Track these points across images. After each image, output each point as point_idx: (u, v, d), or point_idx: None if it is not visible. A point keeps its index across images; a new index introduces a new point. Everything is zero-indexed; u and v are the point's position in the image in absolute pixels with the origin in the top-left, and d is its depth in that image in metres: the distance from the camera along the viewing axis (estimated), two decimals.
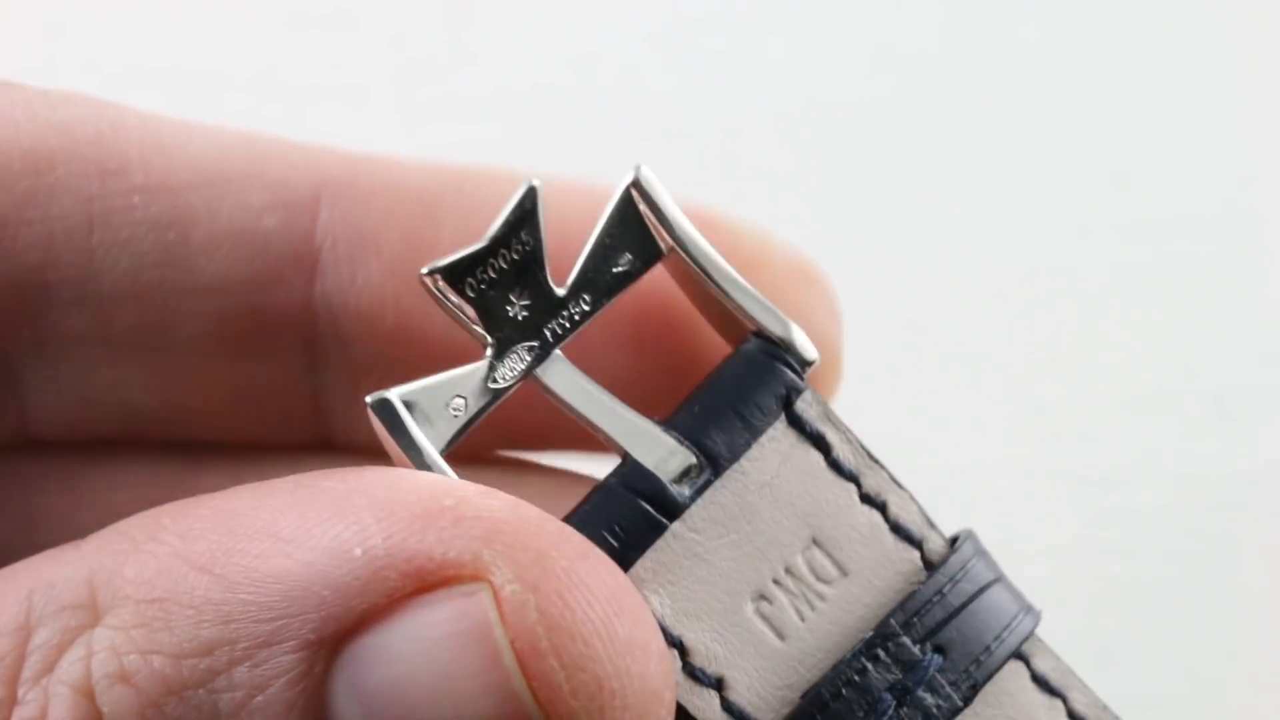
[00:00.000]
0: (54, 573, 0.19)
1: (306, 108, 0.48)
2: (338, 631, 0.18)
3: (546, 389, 0.22)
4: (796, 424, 0.22)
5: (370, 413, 0.21)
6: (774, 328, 0.22)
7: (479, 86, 0.49)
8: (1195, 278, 0.48)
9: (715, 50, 0.50)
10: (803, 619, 0.21)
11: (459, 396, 0.21)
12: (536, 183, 0.21)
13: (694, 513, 0.21)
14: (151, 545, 0.19)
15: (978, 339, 0.48)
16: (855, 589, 0.22)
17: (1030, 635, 0.22)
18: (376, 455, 0.22)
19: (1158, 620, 0.45)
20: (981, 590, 0.22)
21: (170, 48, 0.48)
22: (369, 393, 0.21)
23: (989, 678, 0.21)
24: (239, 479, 0.24)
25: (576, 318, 0.22)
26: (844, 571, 0.22)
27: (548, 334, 0.22)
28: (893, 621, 0.21)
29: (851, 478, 0.22)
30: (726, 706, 0.21)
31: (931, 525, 0.22)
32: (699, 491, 0.21)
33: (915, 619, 0.21)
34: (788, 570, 0.22)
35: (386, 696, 0.18)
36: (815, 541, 0.22)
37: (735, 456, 0.21)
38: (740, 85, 0.50)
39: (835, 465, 0.22)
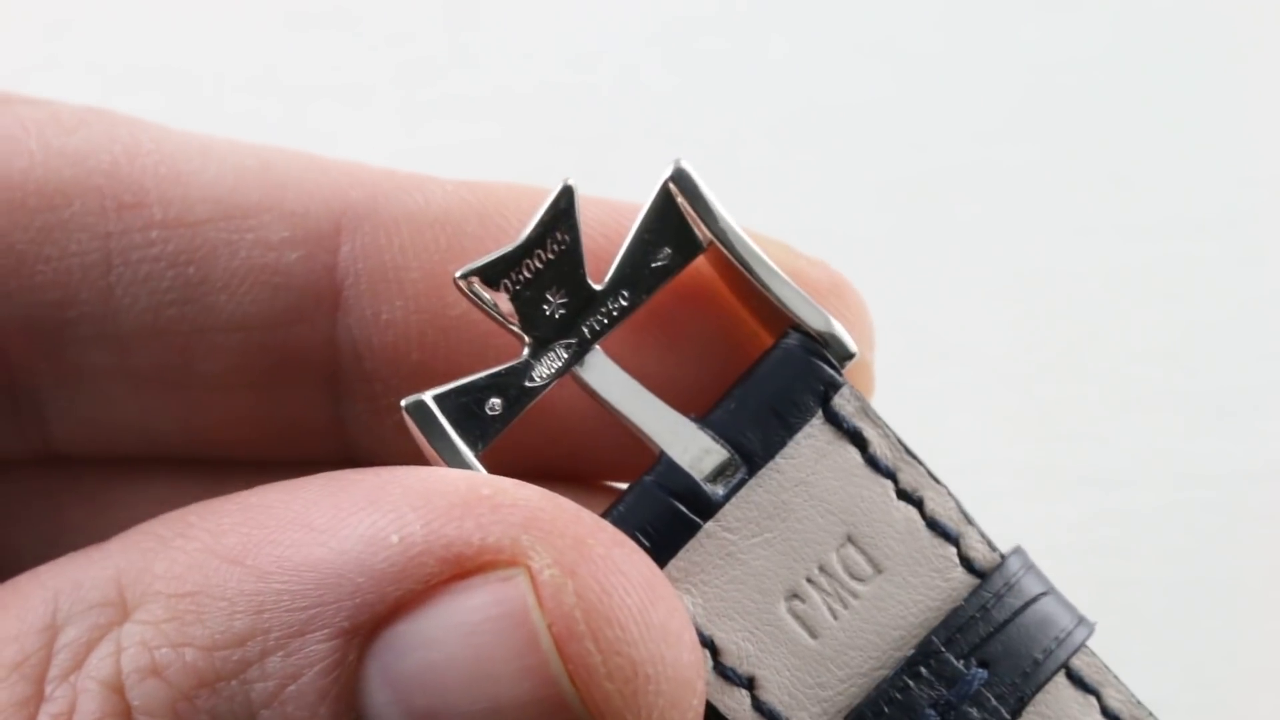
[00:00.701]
0: (80, 573, 0.19)
1: (306, 108, 0.48)
2: (372, 619, 0.18)
3: (584, 385, 0.22)
4: (834, 420, 0.22)
5: (405, 415, 0.21)
6: (813, 322, 0.22)
7: (479, 86, 0.49)
8: (1195, 278, 0.48)
9: (715, 50, 0.50)
10: (836, 617, 0.21)
11: (495, 396, 0.21)
12: (572, 182, 0.21)
13: (728, 512, 0.21)
14: (180, 541, 0.19)
15: (978, 339, 0.48)
16: (890, 586, 0.22)
17: (1081, 648, 0.22)
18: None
19: (1158, 620, 0.45)
20: (1028, 604, 0.22)
21: (170, 48, 0.48)
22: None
23: (1038, 691, 0.21)
24: None
25: (615, 314, 0.22)
26: (878, 569, 0.22)
27: (585, 331, 0.22)
28: (934, 638, 0.21)
29: (888, 474, 0.22)
30: (757, 706, 0.21)
31: (969, 521, 0.22)
32: (733, 490, 0.21)
33: (958, 634, 0.21)
34: (822, 568, 0.21)
35: (420, 683, 0.18)
36: (850, 539, 0.22)
37: (771, 454, 0.21)
38: (741, 85, 0.50)
39: (872, 462, 0.22)
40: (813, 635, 0.21)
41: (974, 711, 0.21)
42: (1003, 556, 0.22)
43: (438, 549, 0.18)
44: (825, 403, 0.22)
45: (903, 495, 0.22)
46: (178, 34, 0.48)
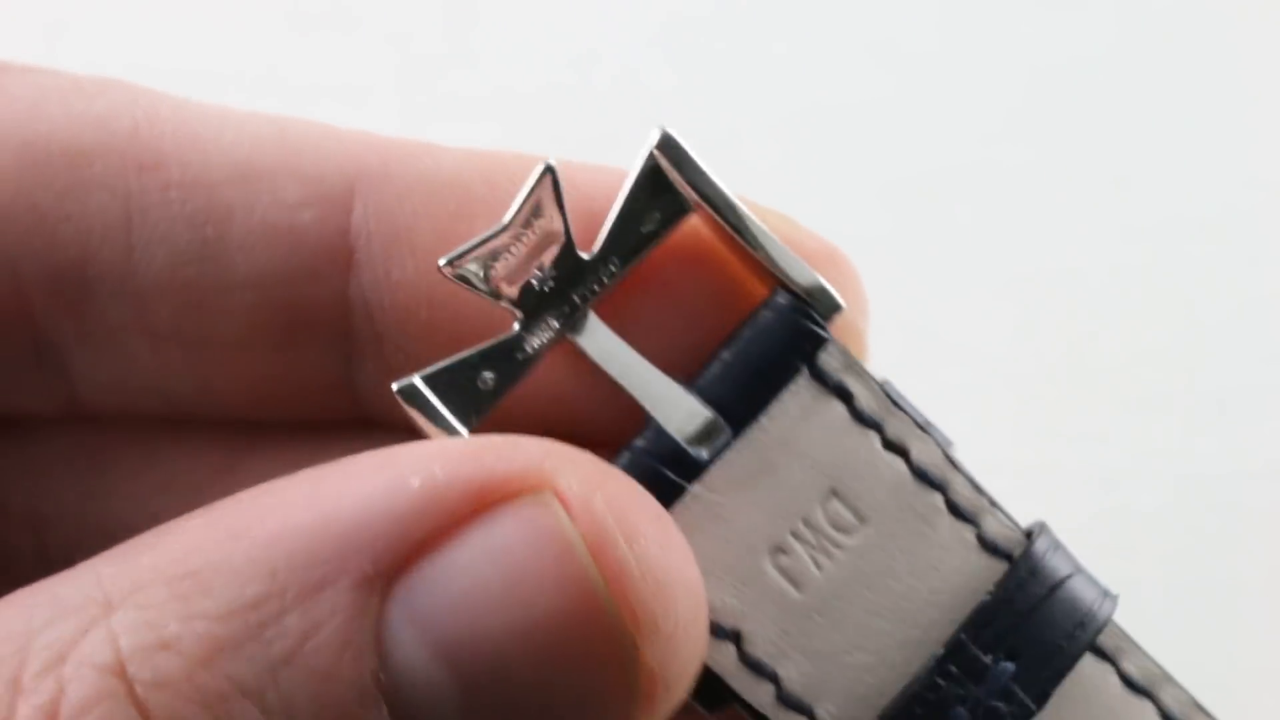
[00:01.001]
0: (56, 586, 0.19)
1: (306, 108, 0.48)
2: (395, 561, 0.18)
3: (577, 350, 0.22)
4: (819, 377, 0.22)
5: (399, 399, 0.21)
6: (798, 277, 0.22)
7: (479, 86, 0.49)
8: (1195, 278, 0.48)
9: (715, 50, 0.50)
10: (820, 569, 0.21)
11: (488, 370, 0.21)
12: (552, 162, 0.22)
13: (713, 473, 0.21)
14: (170, 538, 0.18)
15: (979, 339, 0.48)
16: (876, 536, 0.22)
17: (1105, 626, 0.22)
18: (417, 435, 0.22)
19: (1158, 620, 0.45)
20: (1052, 589, 0.22)
21: (170, 48, 0.48)
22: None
23: (1062, 676, 0.21)
24: (287, 455, 0.24)
25: (605, 280, 0.22)
26: (863, 520, 0.22)
27: (577, 299, 0.22)
28: (962, 635, 0.21)
29: (874, 426, 0.22)
30: (743, 658, 0.21)
31: (956, 467, 0.22)
32: (719, 451, 0.21)
33: (983, 628, 0.21)
34: (807, 522, 0.22)
35: (448, 614, 0.18)
36: (835, 493, 0.22)
37: (755, 414, 0.22)
38: (741, 85, 0.50)
39: (858, 415, 0.22)
40: (798, 588, 0.21)
41: (1002, 705, 0.21)
42: (1028, 534, 0.22)
43: (461, 483, 0.18)
44: (810, 359, 0.22)
45: (889, 446, 0.22)
46: (178, 34, 0.48)
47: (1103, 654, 0.22)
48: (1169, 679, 0.22)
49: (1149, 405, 0.47)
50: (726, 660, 0.21)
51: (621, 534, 0.18)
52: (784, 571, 0.21)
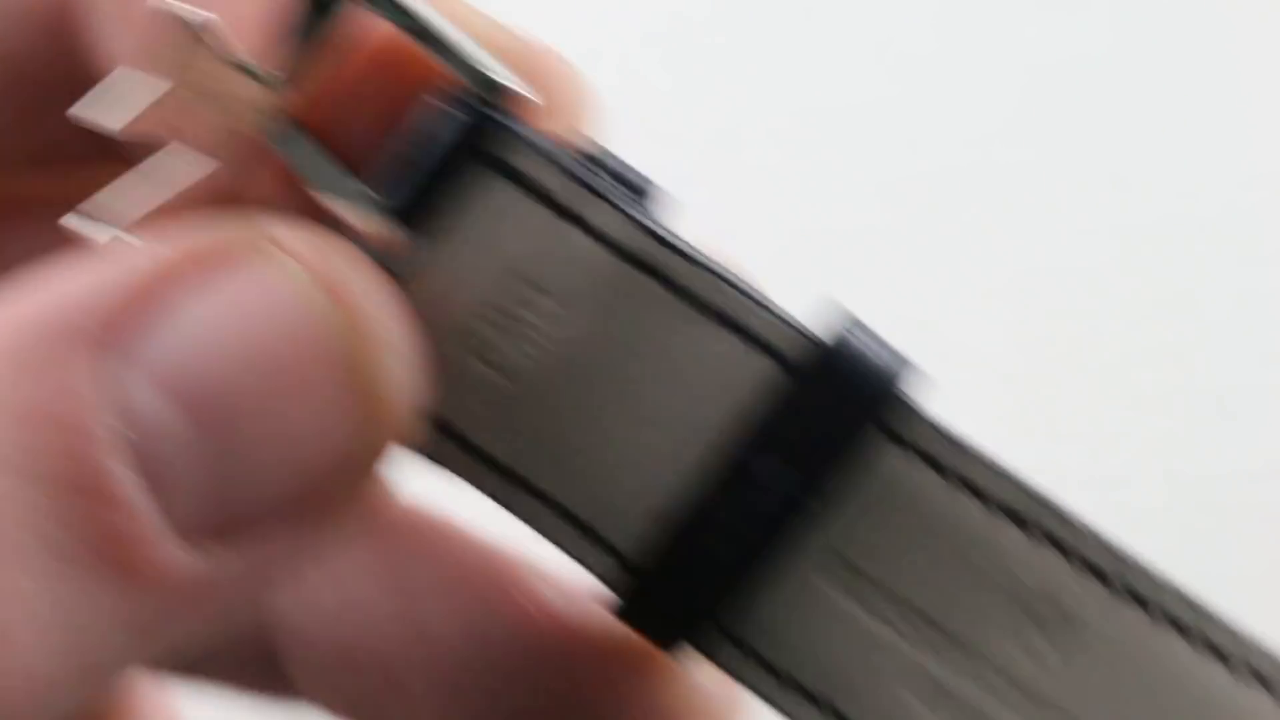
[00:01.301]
0: None
1: None
2: (127, 323, 0.18)
3: (275, 163, 0.21)
4: (496, 165, 0.21)
5: (71, 232, 0.21)
6: (471, 67, 0.21)
7: None
8: (1195, 277, 0.48)
9: (715, 50, 0.50)
10: (529, 359, 0.21)
11: (169, 189, 0.21)
12: (195, 15, 0.21)
13: (409, 285, 0.21)
14: None
15: (978, 339, 0.48)
16: (582, 320, 0.21)
17: (894, 401, 0.21)
18: None
19: None
20: (821, 380, 0.21)
21: None
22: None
23: (842, 469, 0.20)
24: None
25: (290, 91, 0.21)
26: (567, 306, 0.21)
27: (261, 114, 0.21)
28: (731, 442, 0.20)
29: (568, 214, 0.21)
30: (464, 446, 0.21)
31: (665, 242, 0.21)
32: (408, 257, 0.21)
33: (756, 434, 0.20)
34: (509, 317, 0.21)
35: (182, 365, 0.18)
36: (535, 285, 0.21)
37: (437, 217, 0.21)
38: (741, 85, 0.50)
39: (550, 204, 0.21)
40: (508, 378, 0.21)
41: (779, 510, 0.20)
42: (772, 311, 0.21)
43: (187, 248, 0.19)
44: (485, 151, 0.21)
45: (586, 231, 0.21)
46: None
47: (911, 447, 0.21)
48: (986, 462, 0.21)
49: (1149, 405, 0.47)
50: (450, 453, 0.21)
51: (344, 264, 0.19)
52: (491, 365, 0.21)
